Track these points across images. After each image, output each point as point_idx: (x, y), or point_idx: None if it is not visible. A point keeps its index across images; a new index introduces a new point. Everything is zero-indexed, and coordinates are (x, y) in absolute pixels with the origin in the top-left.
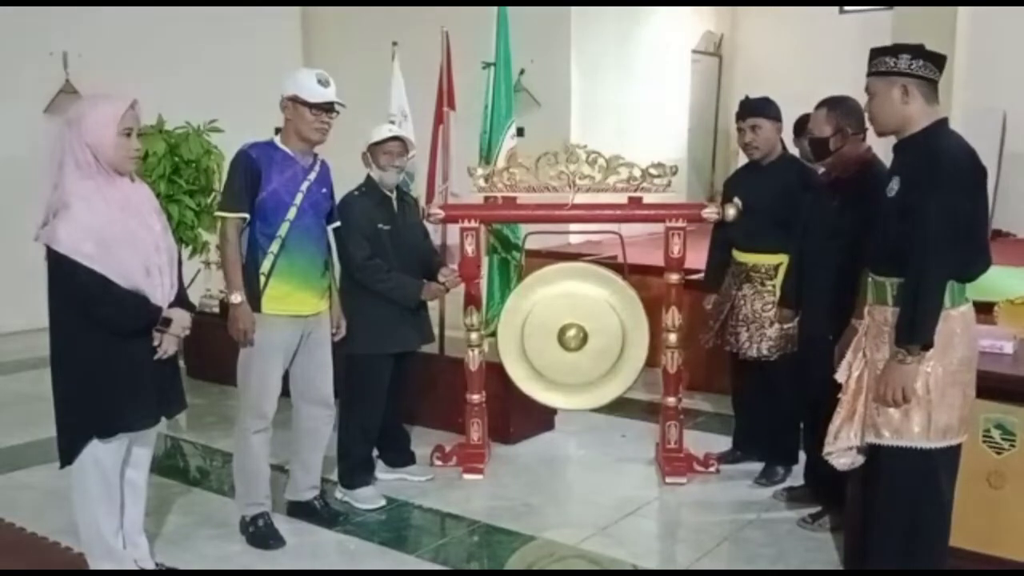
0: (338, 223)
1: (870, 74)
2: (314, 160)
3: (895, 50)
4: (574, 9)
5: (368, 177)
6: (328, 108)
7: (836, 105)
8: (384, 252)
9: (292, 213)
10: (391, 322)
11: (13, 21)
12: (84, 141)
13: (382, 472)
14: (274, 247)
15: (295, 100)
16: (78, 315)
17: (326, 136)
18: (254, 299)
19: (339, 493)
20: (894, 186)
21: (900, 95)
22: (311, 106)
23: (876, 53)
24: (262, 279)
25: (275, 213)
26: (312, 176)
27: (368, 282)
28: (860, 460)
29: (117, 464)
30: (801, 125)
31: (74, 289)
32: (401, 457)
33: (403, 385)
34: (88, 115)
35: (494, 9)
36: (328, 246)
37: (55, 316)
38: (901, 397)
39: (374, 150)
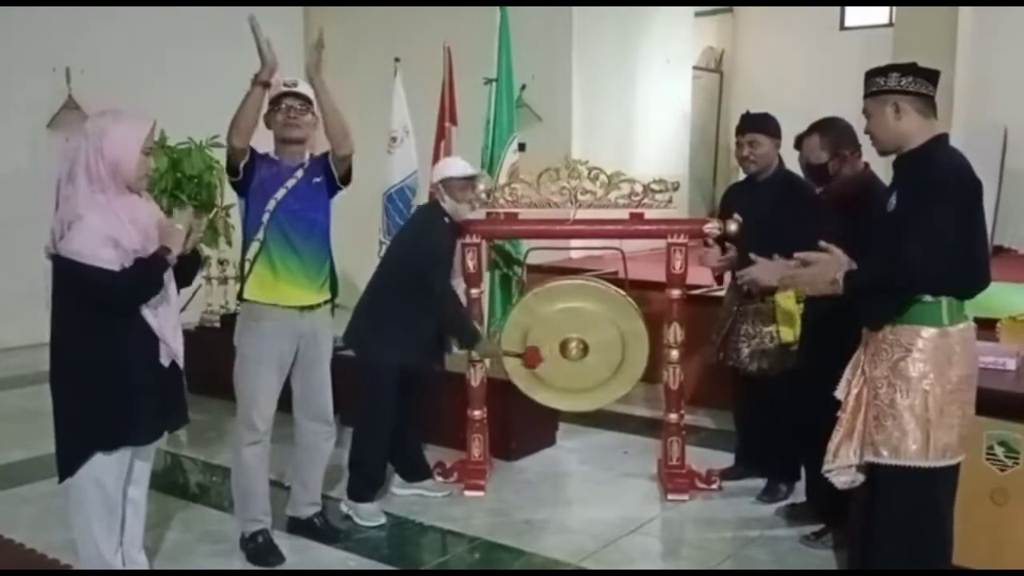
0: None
1: (865, 96)
2: (306, 159)
3: (885, 70)
4: (575, 24)
5: (439, 205)
6: (288, 102)
7: (828, 129)
8: (447, 275)
9: (271, 205)
10: (419, 341)
11: (16, 37)
12: (104, 156)
13: (399, 487)
14: (259, 234)
15: (268, 109)
16: (97, 319)
17: (301, 131)
18: (241, 287)
19: (344, 506)
20: (893, 201)
21: (892, 113)
22: (275, 105)
23: (868, 75)
24: (247, 265)
25: (260, 201)
26: (299, 173)
27: (446, 308)
28: (860, 478)
29: (120, 480)
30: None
31: (93, 293)
32: (418, 472)
33: (418, 401)
34: (111, 131)
35: (496, 25)
36: (328, 237)
37: (64, 327)
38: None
39: (451, 184)
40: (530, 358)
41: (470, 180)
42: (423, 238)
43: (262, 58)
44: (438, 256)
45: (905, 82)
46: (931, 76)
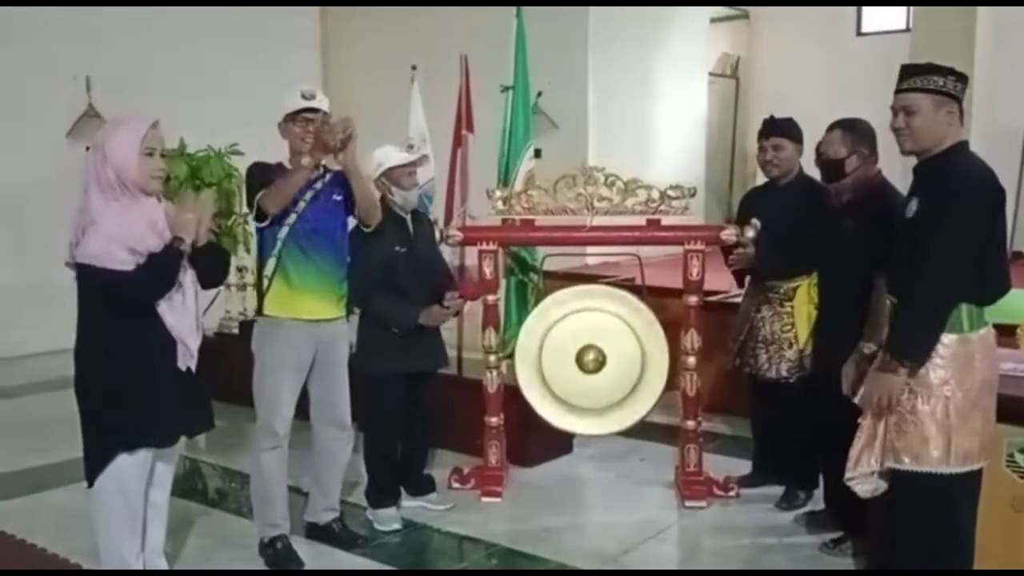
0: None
1: (915, 90)
2: (323, 172)
3: (945, 71)
4: (591, 31)
5: (381, 200)
6: (307, 115)
7: (851, 127)
8: (400, 274)
9: (292, 218)
10: (404, 344)
11: (37, 46)
12: (108, 164)
13: (403, 499)
14: (276, 250)
15: (284, 119)
16: (118, 323)
17: None
18: (260, 303)
19: (370, 513)
20: (913, 207)
21: (947, 116)
22: (293, 117)
23: (923, 70)
24: (265, 281)
25: (278, 218)
26: (318, 185)
27: (368, 307)
28: (883, 486)
29: (141, 483)
30: None
31: (111, 294)
32: (420, 485)
33: (422, 410)
34: (111, 138)
35: (512, 33)
36: (345, 254)
37: (86, 332)
38: (887, 404)
39: (394, 174)
40: (467, 290)
41: (412, 165)
42: (357, 244)
43: (323, 144)
44: (361, 276)
45: (958, 88)
46: (966, 81)
